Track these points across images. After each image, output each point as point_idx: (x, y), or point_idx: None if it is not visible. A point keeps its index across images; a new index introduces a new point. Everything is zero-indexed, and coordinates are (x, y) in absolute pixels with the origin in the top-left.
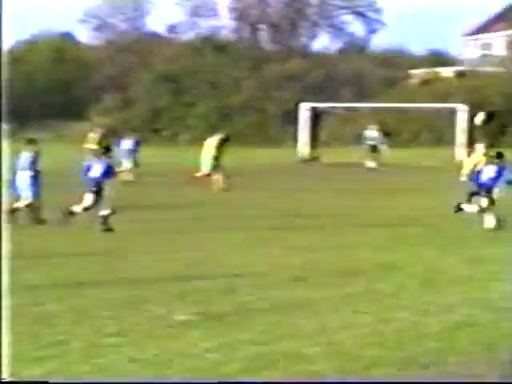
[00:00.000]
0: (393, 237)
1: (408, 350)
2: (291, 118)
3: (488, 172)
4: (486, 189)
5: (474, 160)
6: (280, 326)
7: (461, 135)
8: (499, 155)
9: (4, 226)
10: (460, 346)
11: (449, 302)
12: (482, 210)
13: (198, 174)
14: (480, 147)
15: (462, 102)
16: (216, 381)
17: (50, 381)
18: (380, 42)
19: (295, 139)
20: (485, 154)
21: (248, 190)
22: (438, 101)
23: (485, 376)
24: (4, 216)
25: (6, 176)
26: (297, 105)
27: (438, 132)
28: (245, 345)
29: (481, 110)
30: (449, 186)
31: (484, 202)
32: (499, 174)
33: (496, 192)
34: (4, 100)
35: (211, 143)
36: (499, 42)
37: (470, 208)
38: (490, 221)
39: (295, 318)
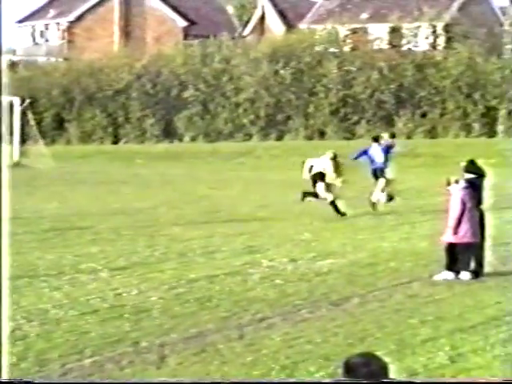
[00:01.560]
0: None
1: None
2: None
3: (377, 156)
4: (380, 170)
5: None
6: None
7: (16, 131)
8: (375, 139)
9: (4, 231)
10: (9, 362)
11: None
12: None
13: None
14: (328, 154)
15: (15, 94)
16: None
17: (51, 381)
18: None
19: None
20: (333, 158)
21: None
22: None
23: None
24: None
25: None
26: None
27: None
28: None
29: (36, 102)
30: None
31: (381, 182)
32: (386, 155)
33: (388, 172)
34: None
35: None
36: (54, 29)
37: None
38: (382, 197)
39: None
